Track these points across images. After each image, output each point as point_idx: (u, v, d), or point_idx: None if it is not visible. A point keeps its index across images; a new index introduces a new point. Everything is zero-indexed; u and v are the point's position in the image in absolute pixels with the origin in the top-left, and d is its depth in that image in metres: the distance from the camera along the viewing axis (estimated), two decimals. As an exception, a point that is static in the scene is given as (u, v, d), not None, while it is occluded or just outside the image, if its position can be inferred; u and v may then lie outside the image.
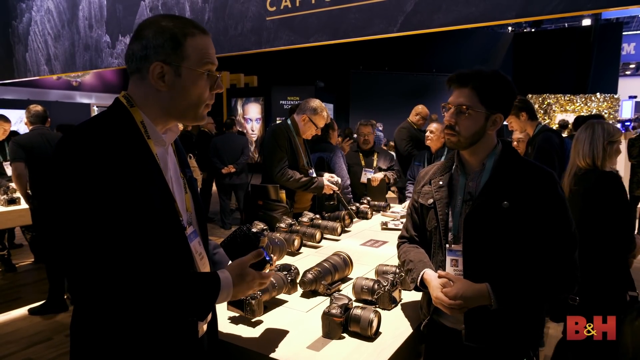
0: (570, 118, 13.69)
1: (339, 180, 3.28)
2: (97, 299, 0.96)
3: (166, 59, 1.02)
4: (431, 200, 1.52)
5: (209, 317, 1.23)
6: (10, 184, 4.17)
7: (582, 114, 13.31)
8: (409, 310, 1.68)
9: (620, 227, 2.05)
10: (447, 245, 1.47)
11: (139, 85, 1.07)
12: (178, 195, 1.11)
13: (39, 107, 4.00)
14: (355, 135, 5.18)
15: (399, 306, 1.71)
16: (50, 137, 3.84)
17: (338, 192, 3.24)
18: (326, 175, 3.25)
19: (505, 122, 3.09)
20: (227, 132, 6.95)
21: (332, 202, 3.26)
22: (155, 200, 1.01)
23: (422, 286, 1.48)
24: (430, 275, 1.45)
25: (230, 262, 1.30)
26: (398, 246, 1.70)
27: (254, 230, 1.22)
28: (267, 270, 1.21)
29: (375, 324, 1.43)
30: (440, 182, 1.52)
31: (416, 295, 1.79)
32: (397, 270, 1.82)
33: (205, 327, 1.22)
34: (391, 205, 3.68)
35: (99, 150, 0.94)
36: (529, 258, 1.36)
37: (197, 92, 1.07)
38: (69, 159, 0.94)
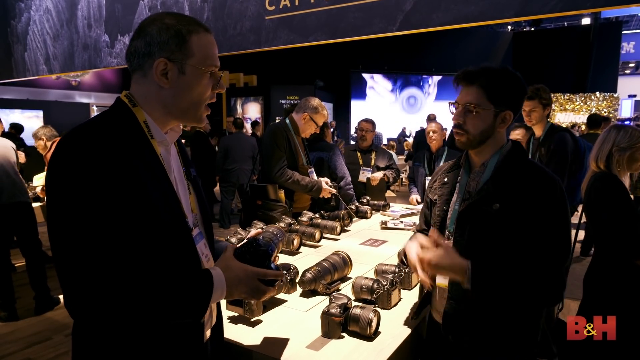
0: (570, 117, 13.70)
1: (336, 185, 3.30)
2: (95, 302, 0.94)
3: (170, 56, 1.02)
4: (436, 197, 1.53)
5: (214, 320, 1.20)
6: None
7: (581, 113, 13.32)
8: (409, 309, 1.67)
9: (619, 228, 1.92)
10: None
11: (141, 83, 1.05)
12: (182, 196, 1.09)
13: None
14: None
15: (398, 306, 1.70)
16: None
17: (337, 193, 3.24)
18: (323, 179, 3.25)
19: (526, 108, 3.04)
20: (237, 132, 6.92)
21: (331, 204, 3.26)
22: (160, 201, 0.99)
23: (406, 258, 1.45)
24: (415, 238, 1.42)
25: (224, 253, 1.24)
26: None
27: (263, 248, 1.19)
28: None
29: (374, 324, 1.43)
30: (445, 179, 1.53)
31: (416, 296, 1.79)
32: (397, 270, 1.82)
33: (209, 333, 1.18)
34: (390, 204, 3.68)
35: (101, 150, 0.92)
36: (516, 262, 1.30)
37: (200, 90, 1.06)
38: (70, 159, 0.91)
